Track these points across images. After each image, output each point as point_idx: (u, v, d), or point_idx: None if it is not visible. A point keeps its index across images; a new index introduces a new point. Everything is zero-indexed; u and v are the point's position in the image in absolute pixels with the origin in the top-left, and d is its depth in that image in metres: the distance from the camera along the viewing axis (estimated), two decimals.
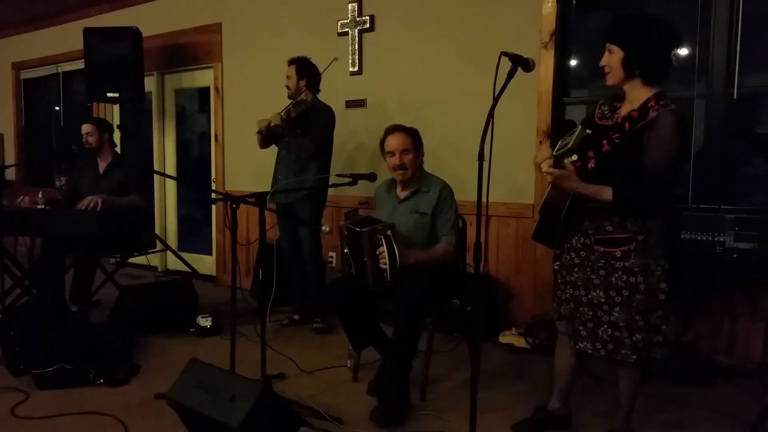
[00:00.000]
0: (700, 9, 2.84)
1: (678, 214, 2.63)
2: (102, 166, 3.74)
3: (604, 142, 1.88)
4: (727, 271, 2.62)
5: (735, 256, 2.51)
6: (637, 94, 1.88)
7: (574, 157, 1.82)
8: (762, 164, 3.02)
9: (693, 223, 2.59)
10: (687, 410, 2.38)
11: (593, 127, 1.92)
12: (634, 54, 1.83)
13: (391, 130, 2.60)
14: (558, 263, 2.10)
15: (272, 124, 3.34)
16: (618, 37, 1.86)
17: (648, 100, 1.85)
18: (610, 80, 1.91)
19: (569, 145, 1.80)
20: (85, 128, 3.73)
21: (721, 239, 2.53)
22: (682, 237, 2.60)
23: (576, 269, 1.98)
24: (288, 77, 3.45)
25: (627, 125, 1.87)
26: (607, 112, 1.97)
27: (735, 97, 2.78)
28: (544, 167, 1.85)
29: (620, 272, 1.87)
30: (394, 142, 2.55)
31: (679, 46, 1.88)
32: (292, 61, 3.46)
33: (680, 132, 1.80)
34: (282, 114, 3.29)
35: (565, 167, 1.83)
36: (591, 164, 1.88)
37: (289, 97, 3.44)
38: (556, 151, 1.87)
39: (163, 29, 4.95)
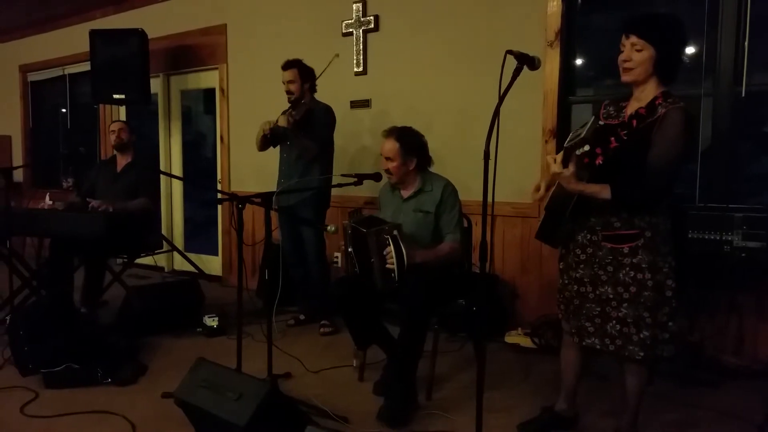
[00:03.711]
0: (707, 6, 2.82)
1: (685, 213, 2.62)
2: (121, 164, 3.78)
3: (612, 139, 1.88)
4: (735, 271, 2.60)
5: (743, 255, 2.49)
6: (647, 93, 1.86)
7: (586, 147, 1.79)
8: None
9: (700, 222, 2.58)
10: (693, 411, 2.37)
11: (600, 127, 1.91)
12: (666, 54, 1.79)
13: (385, 134, 2.61)
14: (563, 263, 2.09)
15: (278, 125, 3.28)
16: (651, 34, 1.78)
17: (655, 98, 1.83)
18: (631, 76, 1.84)
19: (581, 135, 1.78)
20: (118, 125, 3.80)
21: (729, 238, 2.52)
22: (690, 236, 2.59)
23: (582, 266, 1.96)
24: (291, 81, 3.33)
25: (635, 122, 1.86)
26: (612, 111, 1.96)
27: (743, 95, 2.76)
28: (554, 167, 1.83)
29: (628, 268, 1.86)
30: (383, 147, 2.59)
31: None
32: (291, 65, 3.35)
33: (688, 130, 1.78)
34: (288, 117, 3.25)
35: (568, 166, 1.81)
36: (599, 161, 1.88)
37: (292, 101, 3.35)
38: (568, 143, 1.86)
39: (169, 31, 4.97)
